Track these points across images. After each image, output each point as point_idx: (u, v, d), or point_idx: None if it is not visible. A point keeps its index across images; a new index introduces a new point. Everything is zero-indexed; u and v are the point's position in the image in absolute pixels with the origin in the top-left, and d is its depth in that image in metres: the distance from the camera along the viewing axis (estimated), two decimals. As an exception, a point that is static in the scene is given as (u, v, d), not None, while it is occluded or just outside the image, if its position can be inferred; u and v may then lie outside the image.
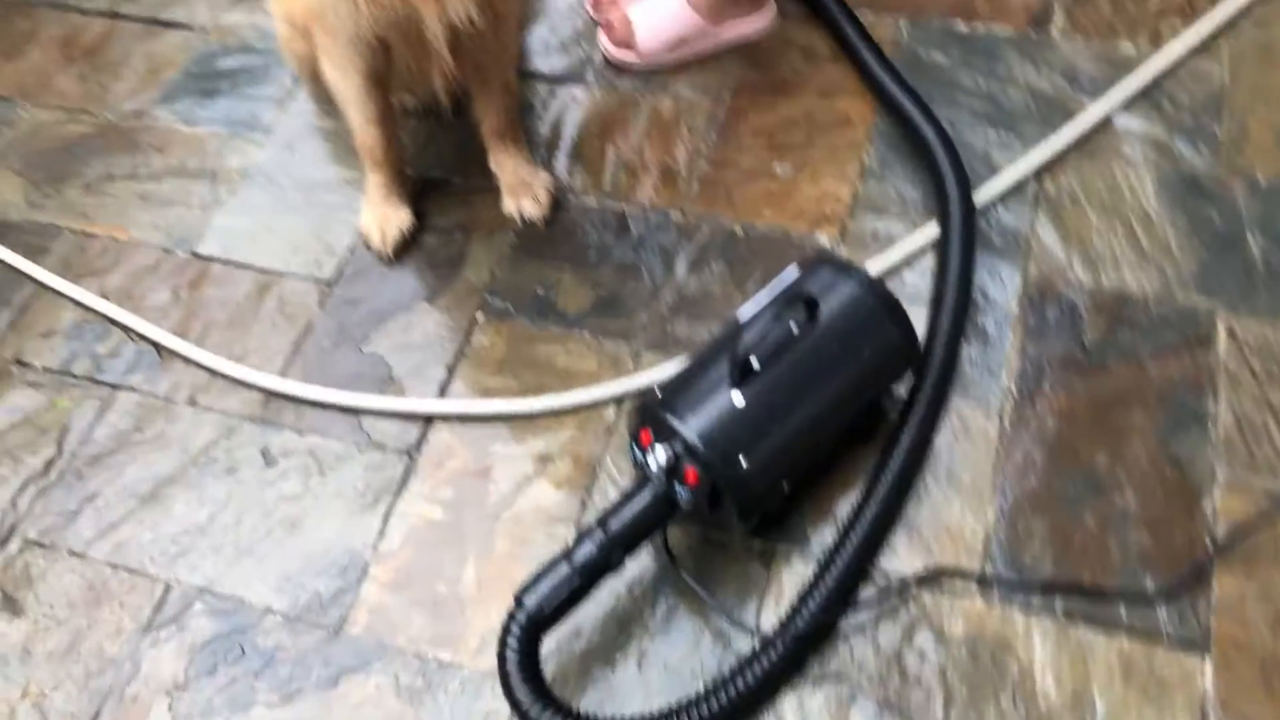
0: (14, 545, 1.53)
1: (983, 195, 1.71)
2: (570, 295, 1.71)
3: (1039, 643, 1.31)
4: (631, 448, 1.36)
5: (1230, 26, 1.89)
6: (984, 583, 1.37)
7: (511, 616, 1.26)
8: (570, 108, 1.95)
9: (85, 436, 1.63)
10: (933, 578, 1.37)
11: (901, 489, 1.43)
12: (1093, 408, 1.51)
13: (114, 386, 1.68)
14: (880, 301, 1.40)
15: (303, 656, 1.39)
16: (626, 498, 1.32)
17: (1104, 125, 1.79)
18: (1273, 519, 1.37)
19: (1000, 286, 1.64)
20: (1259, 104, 1.80)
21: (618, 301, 1.69)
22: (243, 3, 2.19)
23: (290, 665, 1.39)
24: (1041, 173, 1.75)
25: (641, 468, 1.34)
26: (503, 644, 1.25)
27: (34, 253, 1.85)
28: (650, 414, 1.33)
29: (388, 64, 1.62)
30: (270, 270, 1.79)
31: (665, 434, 1.31)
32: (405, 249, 1.79)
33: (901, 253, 1.67)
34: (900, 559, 1.40)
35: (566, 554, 1.29)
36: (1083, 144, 1.78)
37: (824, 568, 1.36)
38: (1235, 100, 1.80)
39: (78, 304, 1.78)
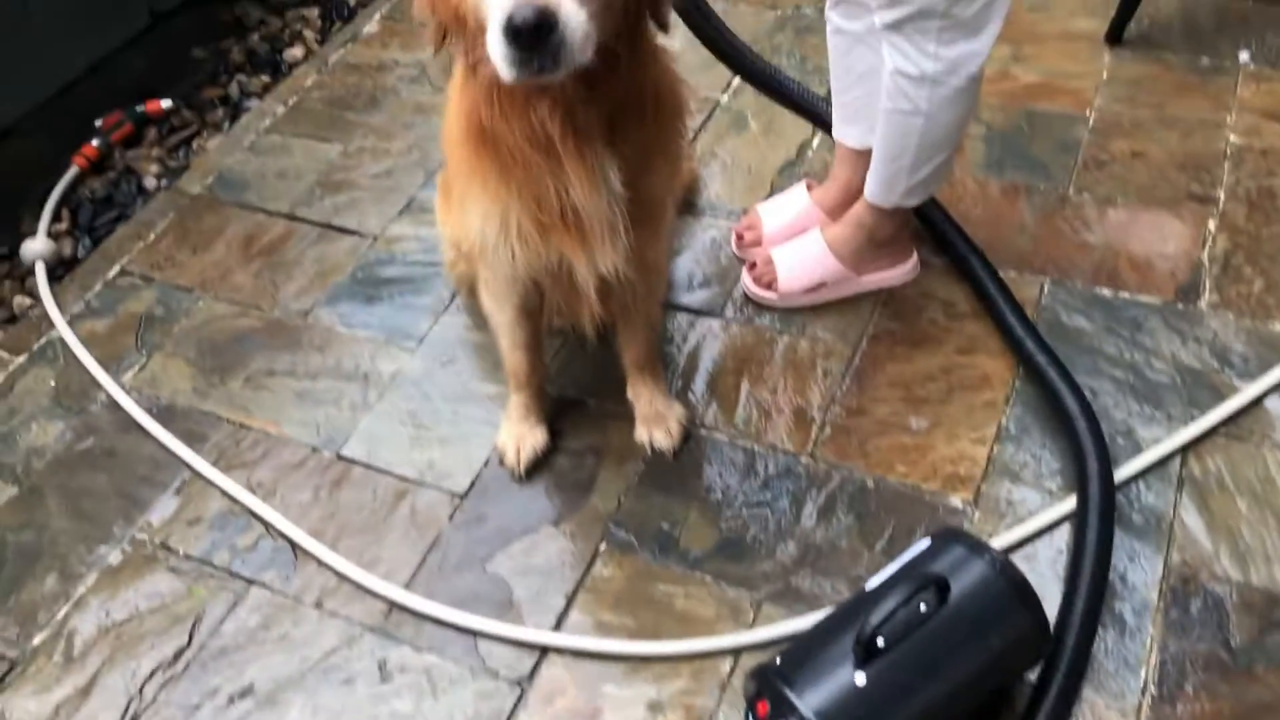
0: (134, 735, 1.57)
1: (1124, 471, 1.68)
2: (695, 533, 1.71)
3: None
4: (747, 716, 1.33)
5: (1392, 315, 1.85)
6: None
7: None
8: (708, 340, 2.00)
9: (215, 629, 1.68)
10: None
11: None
12: (1237, 717, 1.41)
13: (249, 581, 1.74)
14: (1013, 588, 1.36)
15: None
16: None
17: (1255, 408, 1.75)
18: None
19: (1140, 571, 1.58)
20: None
21: (742, 545, 1.69)
22: (409, 214, 2.36)
23: None
24: (1187, 452, 1.71)
25: (755, 739, 1.31)
26: None
27: (194, 439, 1.96)
28: (769, 685, 1.31)
29: (540, 299, 1.71)
30: (408, 478, 1.86)
31: (783, 709, 1.28)
32: (537, 468, 1.84)
33: (1036, 525, 1.64)
34: None
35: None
36: (1232, 425, 1.73)
37: None
38: (1398, 393, 1.74)
39: (226, 494, 1.87)
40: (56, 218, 2.52)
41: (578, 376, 1.98)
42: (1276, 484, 1.66)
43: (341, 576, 1.72)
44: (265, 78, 2.89)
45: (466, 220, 1.52)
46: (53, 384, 2.10)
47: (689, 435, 1.84)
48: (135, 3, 3.06)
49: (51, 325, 2.22)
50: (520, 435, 1.84)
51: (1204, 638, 1.50)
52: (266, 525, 1.81)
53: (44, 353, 2.17)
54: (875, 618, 1.30)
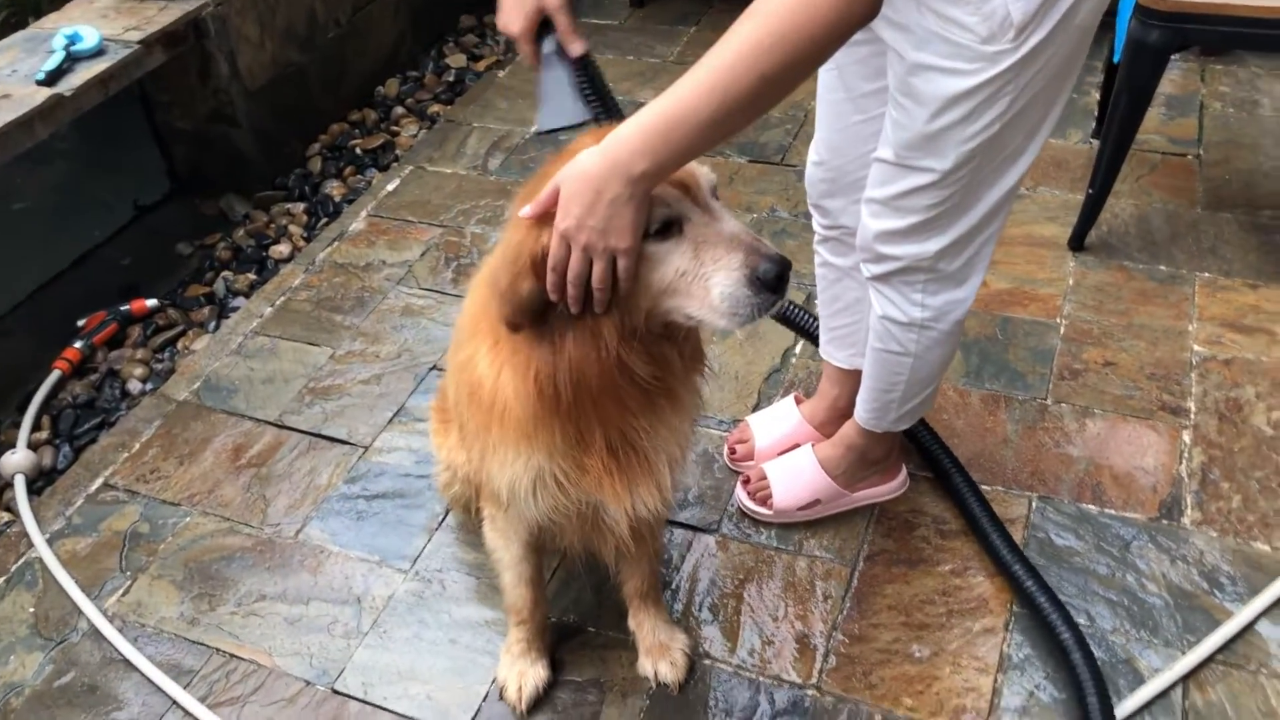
0: None
1: (1127, 706, 1.69)
2: (704, 777, 1.69)
3: None
4: None
5: (1367, 533, 1.91)
6: None
7: None
8: (706, 559, 2.01)
9: None
10: None
11: None
12: None
13: (240, 836, 1.67)
14: None
15: None
16: None
17: (1248, 633, 1.79)
18: None
19: (1154, 813, 1.58)
20: None
21: (752, 789, 1.66)
22: (398, 423, 2.36)
23: None
24: (1188, 682, 1.73)
25: None
26: None
27: (181, 673, 1.90)
28: None
29: (550, 535, 1.70)
30: (406, 715, 1.81)
31: None
32: (539, 704, 1.81)
33: (1047, 765, 1.64)
34: None
35: None
36: (1229, 653, 1.76)
37: None
38: (1382, 615, 1.79)
39: (216, 735, 1.81)
40: (36, 425, 2.49)
41: (577, 600, 1.97)
42: (1278, 715, 1.68)
43: (339, 830, 1.67)
44: (251, 275, 2.92)
45: (489, 469, 1.52)
46: (32, 610, 2.04)
47: (693, 667, 1.83)
48: (119, 195, 3.12)
49: (31, 544, 2.17)
50: (521, 671, 1.81)
51: None
52: (259, 772, 1.75)
53: (23, 574, 2.11)
54: None
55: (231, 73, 3.01)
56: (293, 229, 3.08)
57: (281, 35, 3.17)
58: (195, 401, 2.48)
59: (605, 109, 1.54)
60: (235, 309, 2.80)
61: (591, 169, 1.22)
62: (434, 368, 2.50)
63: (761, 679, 1.81)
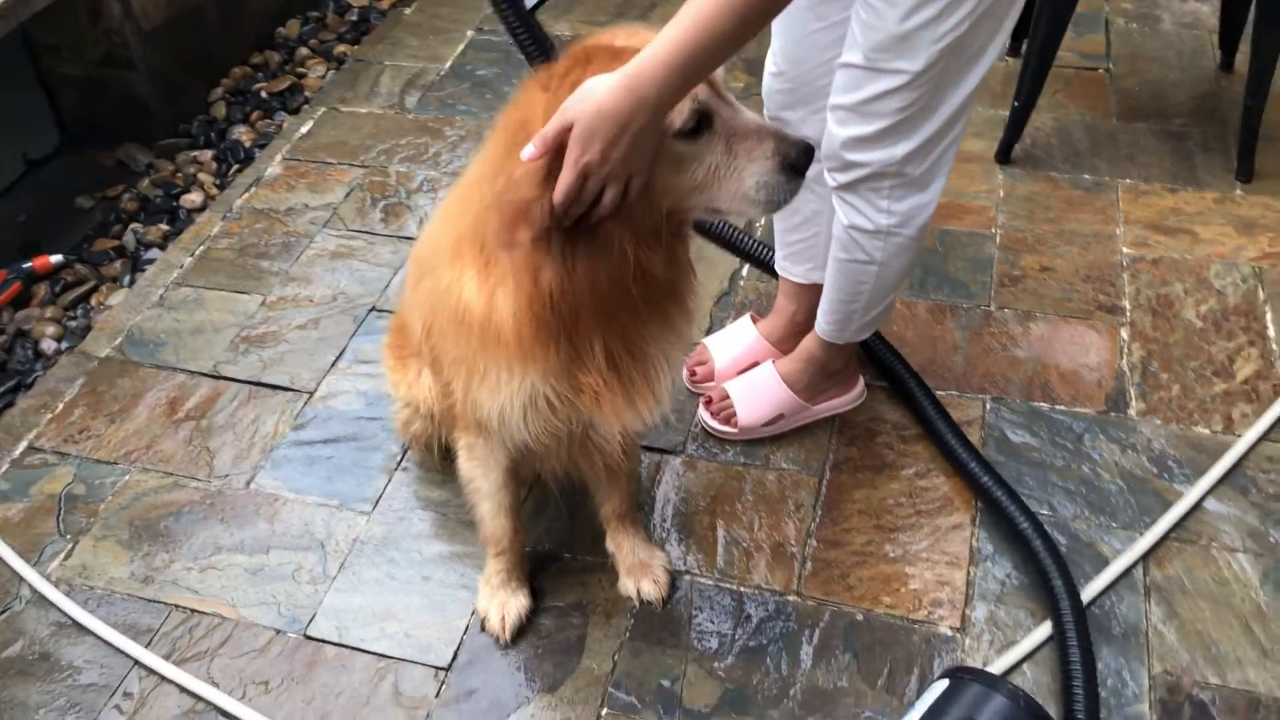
0: None
1: (1093, 587, 1.76)
2: (696, 688, 1.70)
3: None
4: None
5: (1297, 413, 2.02)
6: None
7: None
8: (676, 480, 2.01)
9: None
10: None
11: None
12: (1246, 822, 1.48)
13: (226, 788, 1.62)
14: (1038, 722, 1.40)
15: None
16: None
17: (1198, 511, 1.87)
18: None
19: (1128, 684, 1.65)
20: (1340, 489, 1.89)
21: (745, 695, 1.68)
22: (343, 367, 2.29)
23: None
24: (1147, 560, 1.81)
25: None
26: None
27: (140, 633, 1.82)
28: None
29: (529, 459, 1.67)
30: (385, 655, 1.77)
31: None
32: (522, 631, 1.79)
33: (1026, 649, 1.69)
34: None
35: None
36: (1181, 530, 1.85)
37: None
38: (1316, 485, 1.90)
39: (186, 691, 1.74)
40: (-55, 393, 2.34)
41: (549, 528, 1.95)
42: (1231, 585, 1.77)
43: (330, 773, 1.62)
44: (164, 225, 2.77)
45: (475, 396, 1.48)
46: (-34, 578, 1.93)
47: (675, 584, 1.83)
48: (4, 148, 2.92)
49: (-46, 514, 2.04)
50: (503, 601, 1.79)
51: (1195, 743, 1.57)
52: (238, 722, 1.69)
53: (-49, 546, 1.99)
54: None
55: (125, 12, 2.83)
56: (203, 177, 2.93)
57: (175, -29, 3.00)
58: (120, 357, 2.35)
59: None
60: (150, 261, 2.66)
61: (615, 105, 1.18)
62: (373, 309, 2.42)
63: (742, 589, 1.83)
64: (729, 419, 2.05)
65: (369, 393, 2.22)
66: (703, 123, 1.27)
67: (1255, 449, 1.96)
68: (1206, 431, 2.01)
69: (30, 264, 2.63)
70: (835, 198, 1.73)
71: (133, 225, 2.79)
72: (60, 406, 2.24)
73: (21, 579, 1.92)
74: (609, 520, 1.84)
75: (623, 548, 1.83)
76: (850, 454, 2.03)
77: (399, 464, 2.09)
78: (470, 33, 3.37)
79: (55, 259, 2.65)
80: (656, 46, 1.19)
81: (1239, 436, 1.98)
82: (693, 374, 2.17)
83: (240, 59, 3.33)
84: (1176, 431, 2.02)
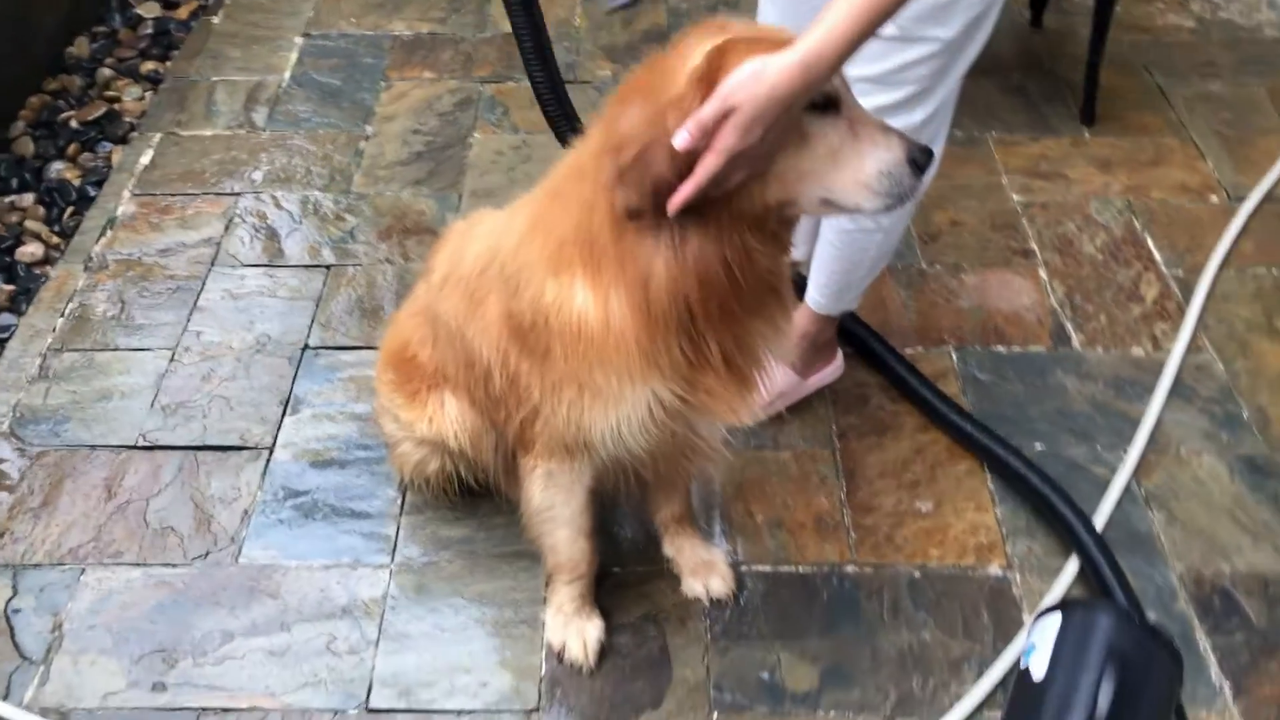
0: None
1: (1104, 511, 1.93)
2: (794, 673, 1.71)
3: None
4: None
5: (1203, 326, 2.29)
6: None
7: None
8: (699, 478, 1.98)
9: None
10: None
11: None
12: (1291, 685, 1.70)
13: None
14: (1161, 643, 1.52)
15: None
16: None
17: (1159, 425, 2.09)
18: None
19: (1162, 588, 1.83)
20: (1256, 385, 2.17)
21: (843, 671, 1.71)
22: (298, 412, 2.09)
23: None
24: (1137, 476, 2.00)
25: None
26: None
27: (175, 748, 1.61)
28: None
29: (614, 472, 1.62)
30: (466, 710, 1.66)
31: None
32: (602, 655, 1.73)
33: (1070, 576, 1.83)
34: None
35: None
36: (1151, 445, 2.05)
37: None
38: (1238, 385, 2.17)
39: (257, 799, 1.56)
40: None
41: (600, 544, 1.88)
42: (1208, 484, 1.99)
43: (458, 846, 1.51)
44: (8, 287, 2.40)
45: (585, 417, 1.41)
46: (-79, 739, 1.62)
47: (739, 575, 1.83)
48: None
49: None
50: (580, 627, 1.72)
51: (1231, 623, 1.77)
52: (336, 819, 1.53)
53: (-120, 700, 1.66)
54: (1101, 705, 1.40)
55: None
56: (31, 224, 2.56)
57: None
58: (16, 444, 2.03)
59: None
60: (4, 329, 2.30)
61: (789, 87, 1.17)
62: (306, 347, 2.22)
63: (801, 568, 1.86)
64: (733, 407, 2.06)
65: (338, 438, 2.05)
66: (829, 103, 1.27)
67: (1185, 361, 2.21)
68: (1141, 352, 2.24)
69: None
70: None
71: (-38, 291, 2.40)
72: (-40, 512, 1.91)
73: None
74: (667, 525, 1.81)
75: (683, 550, 1.81)
76: (851, 421, 2.10)
77: (401, 508, 1.94)
78: (298, 39, 3.13)
79: (-118, 341, 2.24)
80: (833, 23, 1.18)
81: (1168, 352, 2.22)
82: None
83: (33, 86, 2.93)
84: (1118, 355, 2.23)
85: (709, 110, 1.18)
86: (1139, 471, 2.01)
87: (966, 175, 2.68)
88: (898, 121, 1.66)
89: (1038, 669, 1.49)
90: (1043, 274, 2.42)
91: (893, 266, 2.42)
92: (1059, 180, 2.67)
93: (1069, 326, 2.30)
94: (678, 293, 1.30)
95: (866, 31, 1.20)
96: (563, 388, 1.42)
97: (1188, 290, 2.36)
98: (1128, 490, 1.98)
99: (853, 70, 1.63)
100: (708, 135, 1.18)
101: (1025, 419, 2.10)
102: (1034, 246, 2.49)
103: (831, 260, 1.93)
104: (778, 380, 2.06)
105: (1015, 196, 2.63)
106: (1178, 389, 2.16)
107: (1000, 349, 2.25)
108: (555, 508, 1.62)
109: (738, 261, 1.30)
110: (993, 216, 2.56)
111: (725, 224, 1.27)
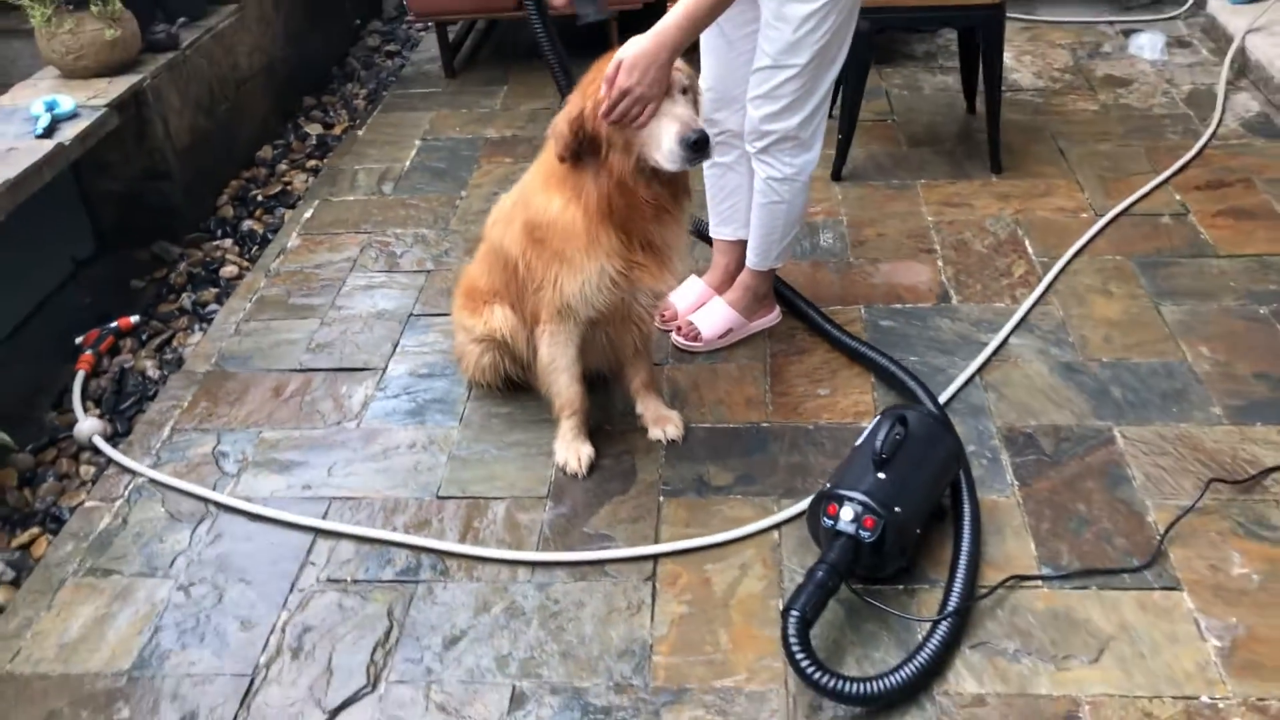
0: None
1: (949, 390, 2.74)
2: (719, 476, 2.55)
3: (1088, 604, 2.15)
4: (821, 519, 2.18)
5: (1053, 289, 3.11)
6: (1041, 578, 2.21)
7: (786, 616, 1.99)
8: (666, 379, 2.88)
9: (407, 612, 2.26)
10: (1011, 580, 2.21)
11: (975, 538, 2.28)
12: (1064, 484, 2.45)
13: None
14: (941, 422, 2.34)
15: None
16: (831, 545, 2.12)
17: (1004, 347, 2.90)
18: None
19: (985, 434, 2.61)
20: (1085, 323, 2.97)
21: (750, 476, 2.55)
22: (401, 354, 3.08)
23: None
24: (981, 374, 2.81)
25: (831, 531, 2.15)
26: (785, 631, 1.97)
27: (321, 519, 2.53)
28: (830, 495, 2.17)
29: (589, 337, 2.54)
30: (502, 496, 2.54)
31: (843, 501, 2.14)
32: (590, 471, 2.60)
33: (919, 422, 2.64)
34: (986, 576, 2.23)
35: (807, 581, 2.05)
36: (996, 359, 2.86)
37: (949, 582, 2.17)
38: (1071, 324, 2.97)
39: (368, 540, 2.46)
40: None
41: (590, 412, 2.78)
42: (1033, 378, 2.78)
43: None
44: (214, 289, 3.51)
45: (562, 284, 2.35)
46: (163, 510, 2.58)
47: (688, 427, 2.69)
48: (58, 252, 3.57)
49: (133, 477, 2.69)
50: (577, 449, 2.60)
51: (1028, 452, 2.54)
52: (418, 549, 2.42)
53: (139, 493, 2.63)
54: (879, 444, 2.21)
55: (165, 134, 3.63)
56: (230, 258, 3.69)
57: (194, 106, 3.82)
58: (220, 370, 3.07)
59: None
60: (213, 314, 3.38)
61: (649, 47, 2.15)
62: (410, 314, 3.23)
63: (732, 423, 2.71)
64: (695, 337, 2.97)
65: (431, 363, 3.02)
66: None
67: (1033, 310, 3.03)
68: (1002, 305, 3.07)
69: (116, 323, 3.31)
70: (755, 160, 2.73)
71: (184, 293, 3.51)
72: (186, 403, 2.93)
73: (207, 501, 2.59)
74: (637, 390, 2.70)
75: (649, 408, 2.70)
76: (781, 348, 2.98)
77: (467, 398, 2.89)
78: (418, 142, 4.30)
79: (134, 319, 3.34)
80: (671, 13, 2.19)
81: (1021, 303, 3.05)
82: (664, 318, 3.08)
83: (234, 175, 4.14)
84: (983, 307, 3.07)
85: (610, 67, 2.18)
86: (982, 370, 2.82)
87: (895, 207, 3.60)
88: (781, 125, 2.63)
89: (860, 439, 2.33)
90: (939, 263, 3.29)
91: (825, 260, 3.33)
92: (965, 207, 3.57)
93: (951, 291, 3.15)
94: (601, 201, 2.27)
95: (694, 17, 2.18)
96: (550, 263, 2.38)
97: (1048, 270, 3.20)
98: (971, 381, 2.79)
99: (750, 92, 2.62)
100: (610, 84, 2.17)
101: (908, 346, 2.94)
102: (936, 247, 3.37)
103: (756, 228, 2.86)
104: (724, 318, 2.97)
105: (930, 218, 3.53)
106: (1025, 326, 2.98)
107: (897, 305, 3.11)
108: (557, 359, 2.55)
109: (626, 188, 2.26)
110: (909, 230, 3.46)
111: (615, 168, 2.24)
